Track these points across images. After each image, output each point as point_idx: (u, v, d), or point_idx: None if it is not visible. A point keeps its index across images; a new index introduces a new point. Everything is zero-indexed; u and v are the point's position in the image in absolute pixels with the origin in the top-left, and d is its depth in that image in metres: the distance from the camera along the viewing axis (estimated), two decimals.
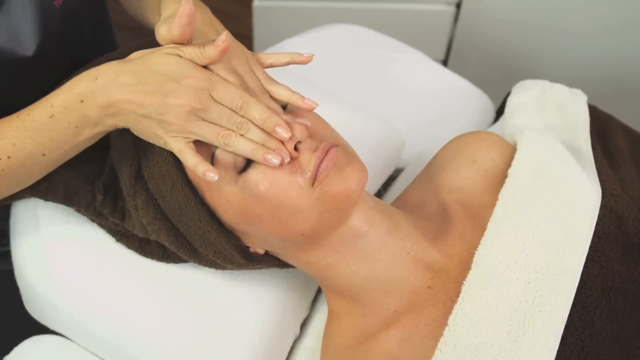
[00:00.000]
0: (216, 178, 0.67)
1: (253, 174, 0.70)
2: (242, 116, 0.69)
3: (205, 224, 0.74)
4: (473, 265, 0.74)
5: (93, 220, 0.85)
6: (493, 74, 1.76)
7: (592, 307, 0.72)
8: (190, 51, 0.69)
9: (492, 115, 1.28)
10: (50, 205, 0.86)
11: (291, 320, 0.90)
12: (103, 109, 0.69)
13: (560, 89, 1.07)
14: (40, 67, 0.87)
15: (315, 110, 0.77)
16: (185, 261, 0.84)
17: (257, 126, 0.69)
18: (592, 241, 0.76)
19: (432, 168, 0.92)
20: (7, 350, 0.89)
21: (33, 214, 0.87)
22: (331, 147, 0.70)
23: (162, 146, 0.71)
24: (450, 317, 0.71)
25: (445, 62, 1.87)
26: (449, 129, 1.20)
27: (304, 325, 0.95)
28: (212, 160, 0.70)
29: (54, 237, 0.86)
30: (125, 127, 0.72)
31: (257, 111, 0.69)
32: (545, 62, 1.71)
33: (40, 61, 0.86)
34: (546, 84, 1.08)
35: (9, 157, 0.72)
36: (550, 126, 1.00)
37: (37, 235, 0.86)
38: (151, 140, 0.71)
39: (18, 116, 0.73)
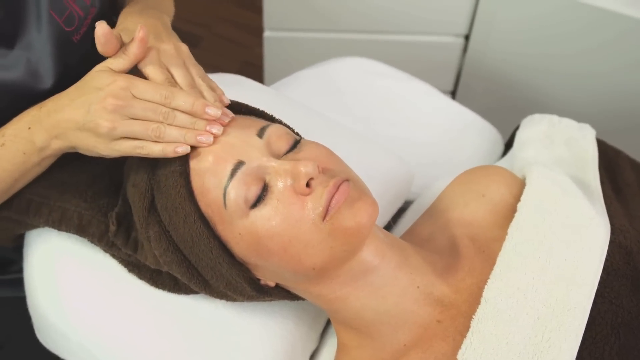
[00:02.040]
0: (188, 149, 0.72)
1: (265, 209, 0.71)
2: (169, 107, 0.72)
3: (216, 256, 0.74)
4: (482, 300, 0.74)
5: (106, 251, 0.85)
6: (501, 106, 1.77)
7: (601, 343, 0.72)
8: (117, 60, 0.75)
9: (501, 148, 1.28)
10: (64, 236, 0.87)
11: (300, 352, 0.90)
12: (48, 132, 0.74)
13: (568, 124, 1.08)
14: None
15: (324, 143, 0.78)
16: (196, 292, 0.84)
17: (186, 113, 0.73)
18: (602, 277, 0.77)
19: (442, 202, 0.92)
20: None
21: (47, 243, 0.88)
22: (342, 182, 0.71)
23: (114, 155, 0.75)
24: (460, 352, 0.71)
25: (453, 94, 1.88)
26: (458, 161, 1.21)
27: (312, 357, 0.95)
28: (225, 197, 0.71)
29: (67, 267, 0.87)
30: (72, 148, 0.76)
31: (182, 99, 0.73)
32: (553, 95, 1.72)
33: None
34: (555, 118, 1.09)
35: None
36: (559, 160, 1.01)
37: (50, 265, 0.87)
38: (101, 154, 0.75)
39: None
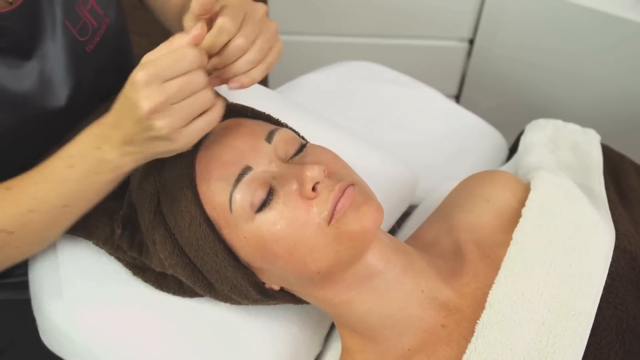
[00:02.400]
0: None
1: (270, 213, 0.71)
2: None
3: (222, 259, 0.74)
4: (487, 305, 0.74)
5: (111, 254, 0.86)
6: (505, 111, 1.77)
7: (606, 349, 0.72)
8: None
9: (505, 152, 1.28)
10: (69, 238, 0.87)
11: (304, 356, 0.90)
12: (119, 150, 0.70)
13: (573, 128, 1.08)
14: (72, 119, 0.89)
15: (330, 147, 0.79)
16: (201, 295, 0.84)
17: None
18: (606, 283, 0.77)
19: (446, 206, 0.92)
20: None
21: (52, 246, 0.88)
22: (348, 186, 0.71)
23: (190, 144, 0.69)
24: (464, 357, 0.71)
25: (457, 98, 1.88)
26: (462, 166, 1.21)
27: None
28: (231, 201, 0.71)
29: (72, 269, 0.87)
30: (144, 162, 0.72)
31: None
32: (558, 100, 1.72)
33: (72, 112, 0.89)
34: (559, 123, 1.09)
35: (31, 211, 0.73)
36: (563, 165, 1.01)
37: (55, 267, 0.87)
38: (171, 153, 0.71)
39: (38, 170, 0.74)
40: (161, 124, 0.65)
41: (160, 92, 0.64)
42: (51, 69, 0.85)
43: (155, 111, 0.64)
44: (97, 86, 0.94)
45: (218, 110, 0.69)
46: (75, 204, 0.75)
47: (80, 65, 0.89)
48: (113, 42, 0.97)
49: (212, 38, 0.68)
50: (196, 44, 0.66)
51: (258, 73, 0.72)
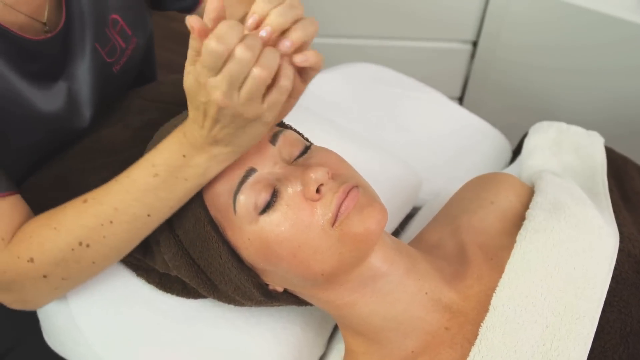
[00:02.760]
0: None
1: (274, 215, 0.71)
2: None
3: (225, 261, 0.75)
4: (491, 308, 0.74)
5: None
6: (509, 113, 1.77)
7: (610, 352, 0.72)
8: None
9: (509, 155, 1.28)
10: None
11: (307, 358, 0.90)
12: (206, 153, 0.70)
13: (577, 131, 1.08)
14: None
15: (333, 149, 0.79)
16: (204, 297, 0.84)
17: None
18: (610, 286, 0.76)
19: (450, 209, 0.92)
20: None
21: None
22: (352, 188, 0.71)
23: (273, 116, 0.67)
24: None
25: (460, 100, 1.88)
26: (466, 168, 1.21)
27: None
28: (235, 203, 0.71)
29: None
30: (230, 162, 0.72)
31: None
32: (561, 102, 1.72)
33: (94, 129, 0.90)
34: (563, 125, 1.09)
35: (111, 222, 0.73)
36: (567, 168, 1.01)
37: None
38: (264, 128, 0.69)
39: (116, 180, 0.74)
40: (246, 106, 0.64)
41: (224, 77, 0.62)
42: (79, 89, 0.87)
43: (229, 95, 0.63)
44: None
45: (288, 71, 0.65)
46: (158, 213, 0.74)
47: (106, 85, 0.91)
48: (138, 61, 0.99)
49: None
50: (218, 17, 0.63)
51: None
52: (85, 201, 0.74)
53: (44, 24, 0.81)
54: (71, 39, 0.85)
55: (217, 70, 0.62)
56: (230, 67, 0.61)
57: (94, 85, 0.89)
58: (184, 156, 0.70)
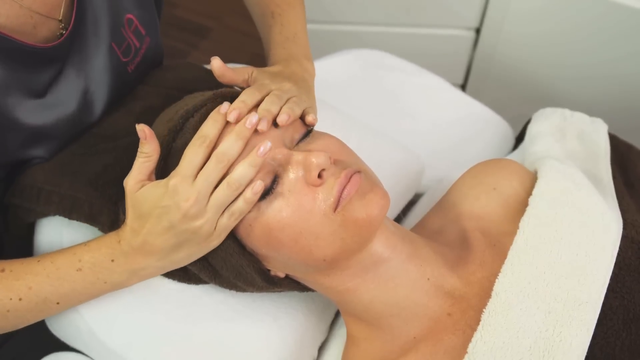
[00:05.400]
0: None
1: (276, 200, 0.70)
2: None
3: (227, 247, 0.74)
4: (493, 294, 0.74)
5: None
6: (512, 100, 1.76)
7: (612, 338, 0.72)
8: (142, 165, 0.71)
9: (512, 141, 1.28)
10: (74, 225, 0.87)
11: (309, 344, 0.90)
12: (131, 264, 0.73)
13: (580, 118, 1.08)
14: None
15: (336, 135, 0.78)
16: (206, 282, 0.84)
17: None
18: (613, 272, 0.76)
19: (453, 195, 0.92)
20: None
21: (57, 233, 0.88)
22: (354, 173, 0.71)
23: (221, 238, 0.73)
24: (470, 345, 0.71)
25: (463, 87, 1.87)
26: (468, 155, 1.21)
27: (321, 348, 0.95)
28: None
29: None
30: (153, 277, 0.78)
31: (227, 144, 0.69)
32: (565, 90, 1.71)
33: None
34: (567, 112, 1.09)
35: (20, 299, 0.74)
36: (571, 155, 1.00)
37: None
38: (211, 245, 0.73)
39: (39, 261, 0.75)
40: (201, 221, 0.69)
41: (194, 189, 0.67)
42: (95, 89, 0.87)
43: (194, 206, 0.68)
44: None
45: (254, 191, 0.69)
46: (67, 303, 0.77)
47: (120, 85, 0.91)
48: (151, 59, 0.99)
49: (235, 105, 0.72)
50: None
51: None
52: (2, 271, 0.74)
53: (60, 20, 0.80)
54: (85, 38, 0.84)
55: (192, 178, 0.67)
56: (203, 180, 0.68)
57: (110, 85, 0.89)
58: (112, 261, 0.73)
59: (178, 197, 0.67)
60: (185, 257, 0.74)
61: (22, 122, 0.79)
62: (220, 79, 0.81)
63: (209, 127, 0.70)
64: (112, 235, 0.74)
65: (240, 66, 0.86)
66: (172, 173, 0.68)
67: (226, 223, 0.71)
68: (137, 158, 0.71)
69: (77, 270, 0.74)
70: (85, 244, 0.75)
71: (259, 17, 0.97)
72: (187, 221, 0.68)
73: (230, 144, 0.68)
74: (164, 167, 0.75)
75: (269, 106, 0.72)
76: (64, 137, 0.87)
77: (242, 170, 0.68)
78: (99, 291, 0.77)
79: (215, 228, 0.70)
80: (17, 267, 0.75)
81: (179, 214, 0.68)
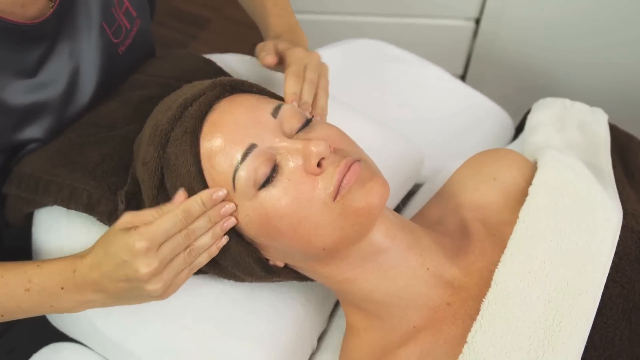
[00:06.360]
0: (225, 238, 0.75)
1: (275, 189, 0.70)
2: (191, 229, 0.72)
3: (224, 236, 0.74)
4: (493, 283, 0.74)
5: None
6: (511, 90, 1.76)
7: (612, 328, 0.72)
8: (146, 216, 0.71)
9: (511, 131, 1.27)
10: (73, 215, 0.86)
11: (309, 334, 0.90)
12: (81, 296, 0.74)
13: (581, 108, 1.07)
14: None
15: (335, 125, 0.78)
16: (204, 272, 0.84)
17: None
18: (613, 262, 0.76)
19: (452, 185, 0.92)
20: (27, 357, 0.90)
21: (56, 223, 0.88)
22: (354, 162, 0.71)
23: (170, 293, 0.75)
24: (469, 335, 0.71)
25: (463, 78, 1.87)
26: (468, 145, 1.20)
27: (321, 338, 0.95)
28: (234, 179, 0.71)
29: (75, 246, 0.87)
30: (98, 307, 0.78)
31: (199, 223, 0.72)
32: (565, 79, 1.70)
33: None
34: (567, 102, 1.08)
35: None
36: (571, 144, 1.00)
37: (59, 244, 0.87)
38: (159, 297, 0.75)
39: None
40: (156, 286, 0.71)
41: (157, 258, 0.69)
42: (86, 69, 0.87)
43: (153, 275, 0.70)
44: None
45: (205, 257, 0.74)
46: (11, 316, 0.77)
47: (110, 66, 0.91)
48: (142, 43, 0.98)
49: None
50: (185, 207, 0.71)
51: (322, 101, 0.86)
52: None
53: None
54: (76, 17, 0.84)
55: (159, 244, 0.69)
56: (164, 251, 0.69)
57: (100, 66, 0.88)
58: (62, 288, 0.74)
59: (139, 261, 0.68)
60: (135, 302, 0.76)
61: (12, 102, 0.79)
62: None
63: (197, 207, 0.71)
64: (68, 263, 0.74)
65: (237, 55, 0.87)
66: (143, 229, 0.68)
67: (182, 280, 0.74)
68: (148, 209, 0.71)
69: (25, 290, 0.74)
70: (38, 264, 0.75)
71: None
72: (142, 284, 0.70)
73: (203, 224, 0.72)
74: (163, 156, 0.75)
75: (307, 98, 0.82)
76: (57, 116, 0.86)
77: (204, 240, 0.73)
78: (44, 312, 0.78)
79: (168, 287, 0.73)
80: None
81: (137, 275, 0.69)
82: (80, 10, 0.84)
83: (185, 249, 0.72)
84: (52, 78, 0.83)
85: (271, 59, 0.86)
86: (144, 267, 0.68)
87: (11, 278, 0.75)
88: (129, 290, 0.72)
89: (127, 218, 0.69)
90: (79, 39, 0.85)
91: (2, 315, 0.76)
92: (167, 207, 0.71)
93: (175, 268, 0.72)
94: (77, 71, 0.86)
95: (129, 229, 0.69)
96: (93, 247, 0.73)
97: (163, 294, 0.73)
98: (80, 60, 0.86)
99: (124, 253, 0.69)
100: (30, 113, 0.82)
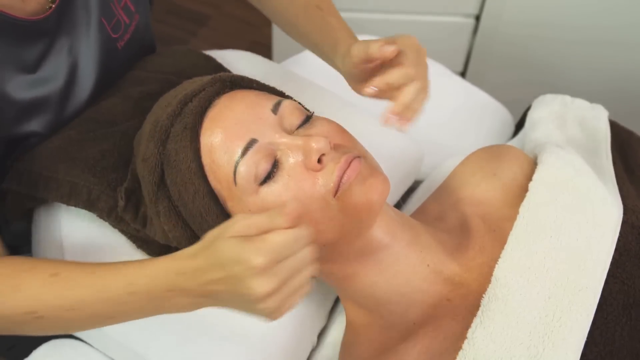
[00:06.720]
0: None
1: (275, 185, 0.70)
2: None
3: None
4: (493, 279, 0.74)
5: (114, 227, 0.85)
6: (511, 87, 1.75)
7: (612, 323, 0.72)
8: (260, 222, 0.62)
9: (512, 128, 1.27)
10: (73, 211, 0.87)
11: (309, 330, 0.90)
12: (192, 299, 0.68)
13: (581, 104, 1.07)
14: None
15: (336, 121, 0.78)
16: None
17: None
18: (614, 257, 0.76)
19: (452, 181, 0.92)
20: (27, 353, 0.90)
21: (56, 220, 0.88)
22: (354, 158, 0.71)
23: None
24: (470, 331, 0.71)
25: (463, 75, 1.86)
26: (468, 141, 1.20)
27: (321, 335, 0.95)
28: (235, 174, 0.71)
29: (75, 242, 0.87)
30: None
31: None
32: (565, 76, 1.70)
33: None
34: (567, 98, 1.08)
35: (72, 309, 0.70)
36: (571, 141, 1.00)
37: (58, 241, 0.87)
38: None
39: (93, 273, 0.70)
40: (269, 305, 0.62)
41: (276, 278, 0.61)
42: (84, 64, 0.86)
43: (268, 296, 0.61)
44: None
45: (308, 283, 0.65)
46: (122, 319, 0.73)
47: (109, 61, 0.90)
48: (140, 38, 0.98)
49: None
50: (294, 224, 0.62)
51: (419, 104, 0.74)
52: (54, 275, 0.70)
53: None
54: (74, 12, 0.84)
55: (278, 262, 0.60)
56: (283, 271, 0.60)
57: (99, 61, 0.88)
58: (168, 291, 0.67)
59: (255, 281, 0.60)
60: (241, 308, 0.67)
61: (13, 96, 0.79)
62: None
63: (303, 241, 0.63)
64: (170, 264, 0.67)
65: (237, 51, 0.86)
66: (262, 245, 0.60)
67: (296, 301, 0.65)
68: (261, 216, 0.62)
69: (129, 294, 0.68)
70: (139, 266, 0.69)
71: (301, 10, 0.89)
72: (254, 303, 0.62)
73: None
74: (163, 152, 0.75)
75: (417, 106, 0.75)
76: (56, 111, 0.86)
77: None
78: (152, 313, 0.71)
79: (281, 307, 0.64)
80: (70, 275, 0.71)
81: (249, 293, 0.61)
82: (79, 5, 0.84)
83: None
84: (52, 74, 0.83)
85: (390, 50, 0.71)
86: (259, 287, 0.60)
87: (112, 281, 0.69)
88: (239, 303, 0.65)
89: (242, 226, 0.61)
90: (78, 34, 0.85)
91: (111, 318, 0.72)
92: (277, 216, 0.61)
93: (292, 288, 0.63)
94: (75, 67, 0.86)
95: (243, 239, 0.61)
96: (197, 249, 0.65)
97: (274, 314, 0.64)
98: (78, 56, 0.86)
99: (237, 267, 0.60)
100: (30, 108, 0.82)
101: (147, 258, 0.71)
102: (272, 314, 0.63)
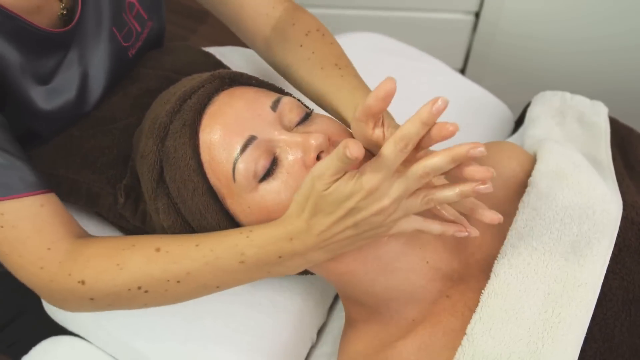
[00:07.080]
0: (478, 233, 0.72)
1: (274, 182, 0.70)
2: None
3: (224, 229, 0.74)
4: (492, 275, 0.74)
5: (114, 223, 0.85)
6: (511, 84, 1.75)
7: (612, 319, 0.72)
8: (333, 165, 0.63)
9: (511, 125, 1.27)
10: (72, 208, 0.86)
11: (308, 327, 0.90)
12: (300, 259, 0.70)
13: (581, 101, 1.07)
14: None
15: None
16: None
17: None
18: (613, 253, 0.76)
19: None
20: (26, 350, 0.90)
21: None
22: None
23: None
24: (469, 327, 0.71)
25: (463, 72, 1.86)
26: (468, 138, 1.19)
27: (320, 331, 0.95)
28: (234, 171, 0.71)
29: None
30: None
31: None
32: (565, 74, 1.70)
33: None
34: (567, 95, 1.08)
35: (178, 282, 0.72)
36: (570, 137, 1.00)
37: None
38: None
39: (197, 245, 0.72)
40: (382, 218, 0.65)
41: (389, 196, 0.64)
42: (95, 74, 0.86)
43: (382, 211, 0.64)
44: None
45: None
46: (227, 286, 0.75)
47: (120, 70, 0.91)
48: (153, 43, 0.98)
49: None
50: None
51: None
52: (157, 250, 0.72)
53: (60, 0, 0.80)
54: (87, 24, 0.83)
55: (388, 179, 0.63)
56: (402, 191, 0.64)
57: (109, 69, 0.88)
58: (279, 257, 0.70)
59: (368, 201, 0.64)
60: (354, 248, 0.72)
61: (40, 107, 0.79)
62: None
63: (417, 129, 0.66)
64: (280, 229, 0.69)
65: (237, 48, 0.86)
66: (367, 168, 0.63)
67: (410, 224, 0.69)
68: (333, 157, 0.62)
69: (240, 263, 0.70)
70: (247, 235, 0.70)
71: (318, 69, 0.87)
72: (375, 219, 0.65)
73: (440, 162, 0.67)
74: (162, 149, 0.75)
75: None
76: (69, 121, 0.87)
77: (446, 194, 0.67)
78: (261, 277, 0.74)
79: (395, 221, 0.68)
80: (173, 249, 0.72)
81: (366, 214, 0.64)
82: (91, 17, 0.84)
83: (422, 194, 0.66)
84: (64, 85, 0.83)
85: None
86: (383, 198, 0.63)
87: (221, 251, 0.71)
88: (356, 236, 0.68)
89: (331, 174, 0.63)
90: (88, 45, 0.85)
91: (218, 287, 0.74)
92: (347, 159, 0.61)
93: (405, 208, 0.66)
94: (86, 77, 0.85)
95: (344, 175, 0.63)
96: (296, 208, 0.68)
97: (387, 227, 0.67)
98: (88, 67, 0.86)
99: (350, 199, 0.64)
100: (45, 119, 0.82)
101: (249, 227, 0.72)
102: (385, 228, 0.67)
